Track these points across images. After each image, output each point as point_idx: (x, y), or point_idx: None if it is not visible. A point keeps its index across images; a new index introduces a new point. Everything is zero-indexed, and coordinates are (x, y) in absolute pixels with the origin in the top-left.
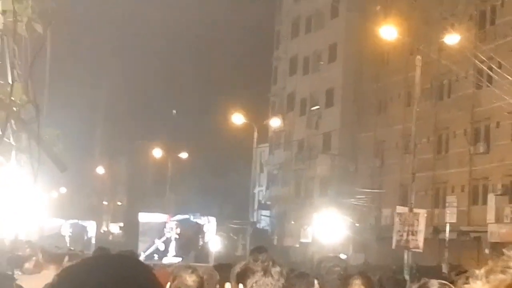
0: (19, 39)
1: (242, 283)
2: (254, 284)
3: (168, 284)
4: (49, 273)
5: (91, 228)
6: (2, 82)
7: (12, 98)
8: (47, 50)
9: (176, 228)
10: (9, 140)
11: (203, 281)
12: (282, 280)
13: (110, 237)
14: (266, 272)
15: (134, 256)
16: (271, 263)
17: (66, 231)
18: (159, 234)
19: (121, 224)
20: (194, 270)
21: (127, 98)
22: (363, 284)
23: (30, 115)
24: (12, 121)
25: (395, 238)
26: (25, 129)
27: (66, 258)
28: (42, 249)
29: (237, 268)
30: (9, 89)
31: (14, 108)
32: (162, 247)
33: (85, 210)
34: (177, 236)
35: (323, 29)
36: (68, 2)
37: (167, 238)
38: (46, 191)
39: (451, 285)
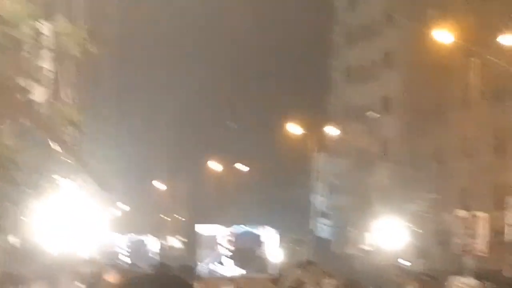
0: (75, 59)
1: None
2: None
3: None
4: None
5: (151, 243)
6: (56, 103)
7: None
8: (103, 70)
9: (233, 240)
10: (70, 160)
11: None
12: None
13: (171, 251)
14: (318, 285)
15: (190, 271)
16: (322, 275)
17: (125, 247)
18: (218, 246)
19: (182, 238)
20: (233, 281)
21: (183, 113)
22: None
23: (75, 137)
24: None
25: (456, 242)
26: (69, 151)
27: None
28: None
29: (288, 282)
30: (54, 109)
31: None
32: (221, 259)
33: (145, 226)
34: (234, 248)
35: (379, 37)
36: (124, 19)
37: (226, 250)
38: (107, 208)
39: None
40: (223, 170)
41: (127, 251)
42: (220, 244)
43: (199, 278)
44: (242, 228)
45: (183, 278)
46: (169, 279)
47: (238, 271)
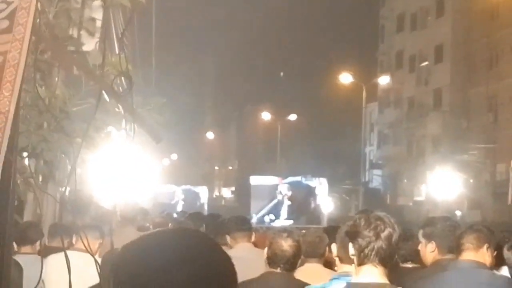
0: (124, 10)
1: (352, 242)
2: (366, 249)
3: (265, 249)
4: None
5: (203, 193)
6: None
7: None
8: (152, 19)
9: (288, 191)
10: (119, 109)
11: (300, 244)
12: (394, 245)
13: (223, 202)
14: (377, 236)
15: (245, 222)
16: (382, 226)
17: (179, 198)
18: (270, 197)
19: (233, 189)
20: (289, 234)
21: (234, 63)
22: (475, 238)
23: (125, 87)
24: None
25: (511, 194)
26: (120, 101)
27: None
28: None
29: (346, 227)
30: (104, 60)
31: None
32: (273, 210)
33: (197, 176)
34: (288, 199)
35: None
36: None
37: (278, 200)
38: (158, 158)
39: None
40: (274, 120)
41: (182, 203)
42: (273, 195)
43: (254, 229)
44: (295, 179)
45: (208, 235)
46: (186, 233)
47: (292, 222)
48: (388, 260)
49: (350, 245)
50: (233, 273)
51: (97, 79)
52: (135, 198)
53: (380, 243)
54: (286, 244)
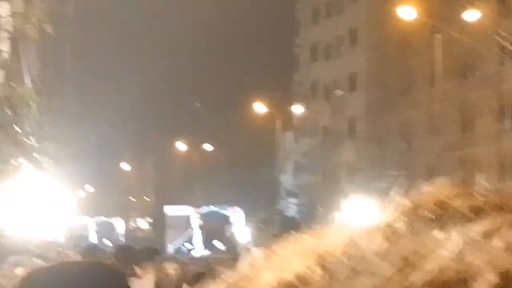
0: (32, 41)
1: None
2: None
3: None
4: None
5: (118, 224)
6: (14, 85)
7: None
8: (66, 50)
9: (201, 220)
10: (31, 142)
11: (183, 269)
12: None
13: (140, 233)
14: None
15: (155, 252)
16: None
17: (92, 229)
18: (186, 227)
19: (149, 219)
20: (175, 260)
21: (149, 94)
22: None
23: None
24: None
25: None
26: (29, 134)
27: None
28: None
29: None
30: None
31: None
32: (189, 239)
33: (112, 207)
34: (203, 228)
35: (344, 14)
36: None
37: (193, 230)
38: (72, 190)
39: None
40: (190, 150)
41: (95, 234)
42: (188, 225)
43: (164, 259)
44: (210, 209)
45: (115, 268)
46: (88, 266)
47: (207, 252)
48: None
49: None
50: None
51: (4, 112)
52: (46, 231)
53: None
54: (170, 268)
